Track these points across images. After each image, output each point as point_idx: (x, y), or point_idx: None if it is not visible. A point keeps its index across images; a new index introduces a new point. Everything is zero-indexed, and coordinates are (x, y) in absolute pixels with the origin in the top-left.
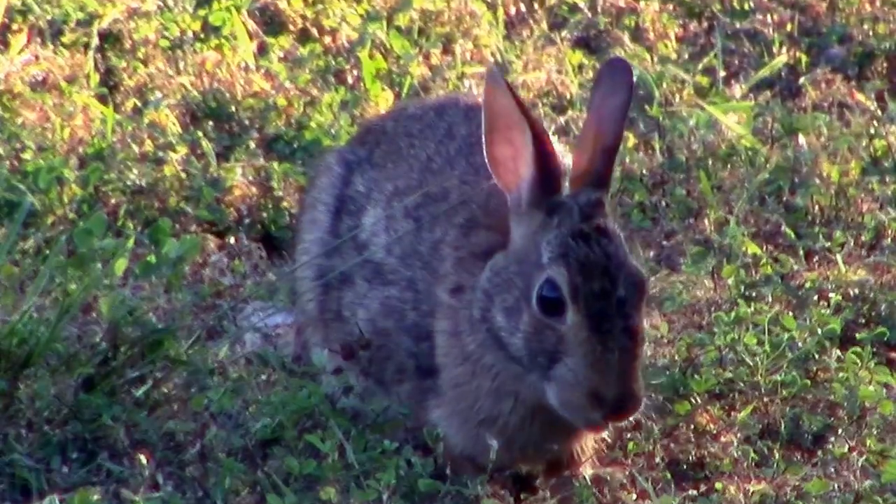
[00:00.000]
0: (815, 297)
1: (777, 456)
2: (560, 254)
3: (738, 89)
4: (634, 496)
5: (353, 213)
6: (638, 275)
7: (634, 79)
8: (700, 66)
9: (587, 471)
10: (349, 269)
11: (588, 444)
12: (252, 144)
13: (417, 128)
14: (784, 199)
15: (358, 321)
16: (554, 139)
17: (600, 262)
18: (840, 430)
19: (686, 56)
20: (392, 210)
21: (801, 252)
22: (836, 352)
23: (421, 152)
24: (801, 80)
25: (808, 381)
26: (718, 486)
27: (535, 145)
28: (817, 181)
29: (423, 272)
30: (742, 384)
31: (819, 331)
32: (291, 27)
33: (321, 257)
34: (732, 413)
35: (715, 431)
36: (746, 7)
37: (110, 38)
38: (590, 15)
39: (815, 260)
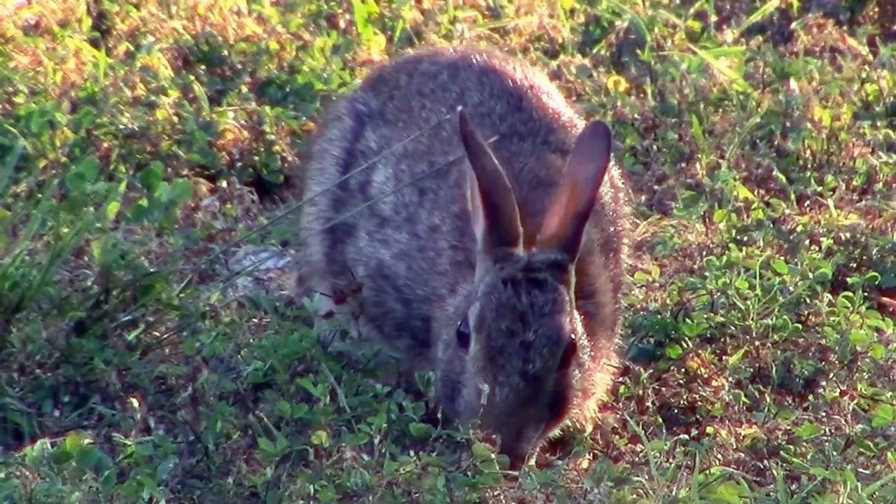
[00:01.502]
0: (807, 242)
1: (768, 400)
2: (484, 293)
3: (729, 34)
4: (626, 440)
5: (364, 169)
6: (560, 332)
7: (610, 143)
8: (692, 11)
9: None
10: (355, 222)
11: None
12: (244, 88)
13: (430, 87)
14: (775, 143)
15: (355, 270)
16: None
17: (518, 308)
18: (831, 375)
19: (678, 0)
20: (401, 174)
21: (793, 196)
22: (828, 296)
23: (432, 116)
24: (793, 24)
25: (800, 326)
26: (710, 430)
27: (483, 196)
28: (809, 126)
29: (419, 257)
30: (733, 328)
31: (810, 275)
32: None
33: (329, 210)
34: (724, 357)
35: (706, 375)
36: None
37: None
38: None
39: (806, 204)
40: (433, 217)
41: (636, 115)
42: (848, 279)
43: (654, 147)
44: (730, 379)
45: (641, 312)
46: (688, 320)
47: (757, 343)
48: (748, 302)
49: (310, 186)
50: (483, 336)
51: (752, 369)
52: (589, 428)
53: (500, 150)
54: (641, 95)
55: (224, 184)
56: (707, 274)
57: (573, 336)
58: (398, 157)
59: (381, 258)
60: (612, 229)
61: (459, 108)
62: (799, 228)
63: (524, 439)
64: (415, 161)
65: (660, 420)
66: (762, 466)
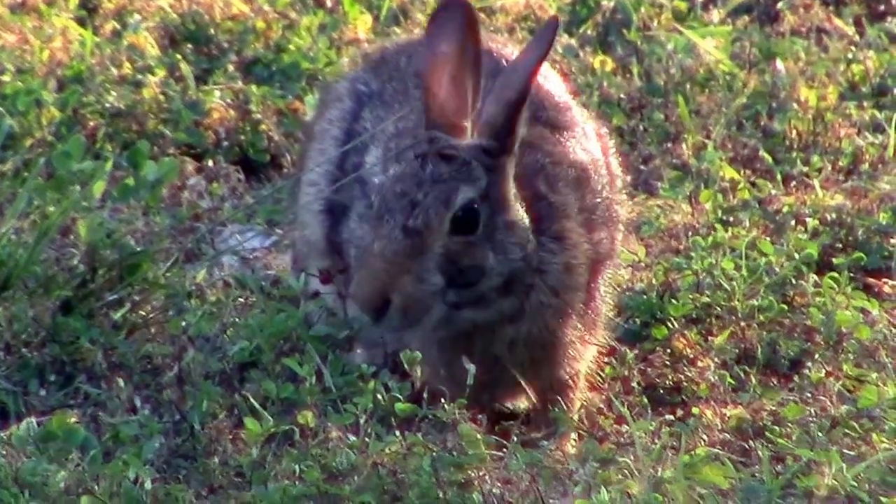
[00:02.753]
0: (793, 222)
1: (754, 381)
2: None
3: (716, 14)
4: (611, 421)
5: (358, 150)
6: (451, 196)
7: (554, 36)
8: None
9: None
10: (350, 202)
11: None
12: (230, 67)
13: None
14: (762, 123)
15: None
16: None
17: (417, 175)
18: (817, 355)
19: None
20: (389, 153)
21: (779, 177)
22: (814, 277)
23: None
24: (780, 4)
25: (785, 306)
26: (695, 410)
27: (423, 83)
28: (795, 106)
29: None
30: (719, 309)
31: (796, 256)
32: None
33: (328, 191)
34: (709, 338)
35: (692, 356)
36: None
37: None
38: None
39: (792, 185)
40: None
41: (622, 96)
42: (834, 260)
43: (641, 127)
44: (715, 360)
45: (627, 293)
46: (673, 301)
47: (742, 324)
48: (734, 282)
49: (310, 166)
50: (379, 197)
51: (737, 350)
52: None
53: None
54: (628, 75)
55: (210, 163)
56: (693, 254)
57: (475, 207)
58: (389, 136)
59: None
60: (596, 201)
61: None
62: (785, 209)
63: (395, 288)
64: (403, 140)
65: (645, 401)
66: (747, 447)
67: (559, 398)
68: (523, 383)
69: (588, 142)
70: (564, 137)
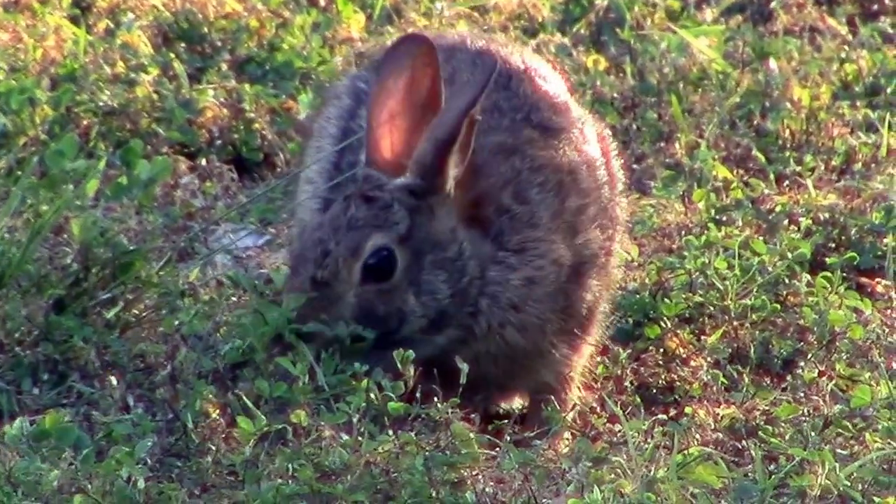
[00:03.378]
0: (786, 222)
1: (746, 380)
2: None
3: (709, 13)
4: (604, 420)
5: (354, 148)
6: (360, 245)
7: (494, 75)
8: None
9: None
10: None
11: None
12: (224, 66)
13: None
14: (755, 123)
15: None
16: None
17: (334, 221)
18: (809, 355)
19: None
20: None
21: (772, 176)
22: (806, 276)
23: None
24: (773, 4)
25: (778, 306)
26: (688, 410)
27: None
28: (788, 105)
29: None
30: (712, 308)
31: (789, 255)
32: None
33: (326, 190)
34: (702, 337)
35: (684, 356)
36: None
37: None
38: None
39: (785, 184)
40: None
41: (615, 95)
42: (827, 259)
43: (634, 126)
44: (708, 359)
45: (620, 292)
46: (666, 300)
47: (735, 323)
48: (727, 282)
49: (306, 162)
50: (297, 244)
51: (730, 349)
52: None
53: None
54: (621, 74)
55: (203, 162)
56: (686, 254)
57: (387, 254)
58: None
59: None
60: (583, 202)
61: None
62: (778, 208)
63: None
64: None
65: (638, 400)
66: (740, 447)
67: (551, 398)
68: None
69: (584, 143)
70: (556, 139)
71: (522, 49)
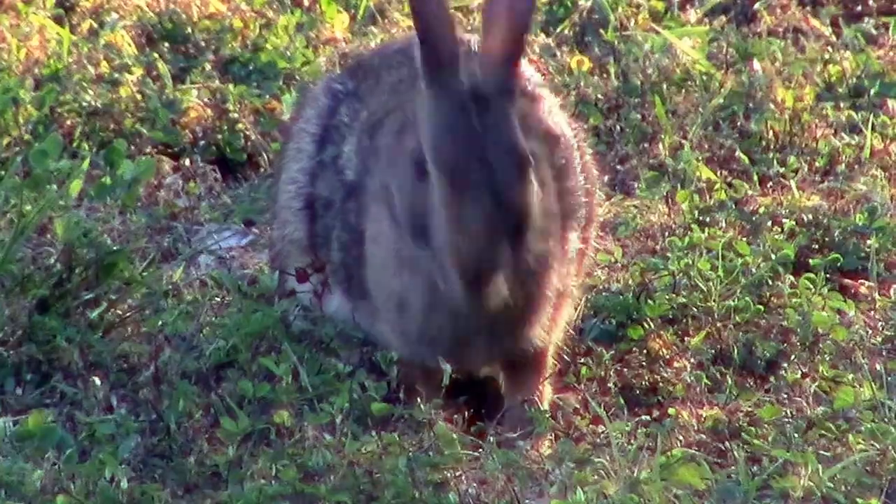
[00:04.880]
0: (769, 223)
1: (730, 382)
2: (435, 122)
3: (693, 14)
4: (587, 421)
5: (336, 141)
6: (519, 151)
7: None
8: None
9: (545, 402)
10: (331, 195)
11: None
12: (208, 66)
13: (398, 59)
14: (738, 124)
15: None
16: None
17: (471, 132)
18: (793, 356)
19: None
20: (362, 134)
21: (755, 177)
22: (790, 277)
23: (394, 78)
24: (756, 5)
25: (762, 307)
26: (671, 411)
27: (416, 19)
28: (772, 107)
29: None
30: (695, 309)
31: (773, 256)
32: None
33: (309, 185)
34: (685, 338)
35: (668, 357)
36: None
37: None
38: None
39: (769, 185)
40: (379, 143)
41: (599, 95)
42: (810, 261)
43: (617, 127)
44: (691, 360)
45: (603, 293)
46: (650, 301)
47: (719, 324)
48: (710, 283)
49: (288, 165)
50: (443, 168)
51: (713, 351)
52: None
53: None
54: (604, 75)
55: (187, 162)
56: (669, 255)
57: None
58: (363, 121)
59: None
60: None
61: None
62: (761, 210)
63: (508, 259)
64: (374, 117)
65: (621, 401)
66: (723, 448)
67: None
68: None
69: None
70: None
71: None
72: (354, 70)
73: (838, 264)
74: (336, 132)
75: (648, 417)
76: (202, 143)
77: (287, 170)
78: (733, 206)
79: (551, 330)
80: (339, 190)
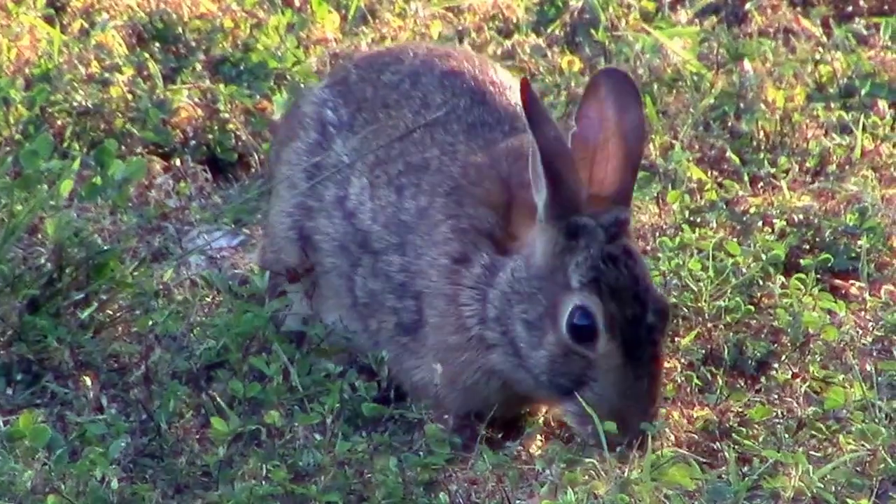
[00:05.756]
0: (760, 223)
1: (720, 382)
2: (591, 279)
3: (683, 14)
4: None
5: (337, 182)
6: (663, 301)
7: (638, 90)
8: None
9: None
10: (342, 239)
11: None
12: (198, 66)
13: (394, 98)
14: (729, 124)
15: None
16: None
17: (631, 288)
18: (783, 357)
19: None
20: (376, 181)
21: (746, 178)
22: (780, 278)
23: (399, 122)
24: (747, 5)
25: (752, 307)
26: (662, 411)
27: (545, 165)
28: (762, 107)
29: (412, 236)
30: (686, 310)
31: (763, 257)
32: None
33: (303, 218)
34: (676, 339)
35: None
36: None
37: None
38: None
39: (759, 186)
40: (419, 201)
41: None
42: (801, 261)
43: None
44: (682, 360)
45: None
46: None
47: (709, 325)
48: (701, 283)
49: (282, 195)
50: (616, 332)
51: (704, 351)
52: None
53: (473, 138)
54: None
55: (178, 162)
56: (660, 255)
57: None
58: (370, 166)
59: (377, 259)
60: None
61: (522, 77)
62: (752, 210)
63: (657, 417)
64: (389, 166)
65: None
66: (714, 448)
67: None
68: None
69: None
70: None
71: (478, 60)
72: (344, 92)
73: (829, 265)
74: (333, 170)
75: None
76: (193, 143)
77: (281, 199)
78: (724, 207)
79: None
80: (352, 234)
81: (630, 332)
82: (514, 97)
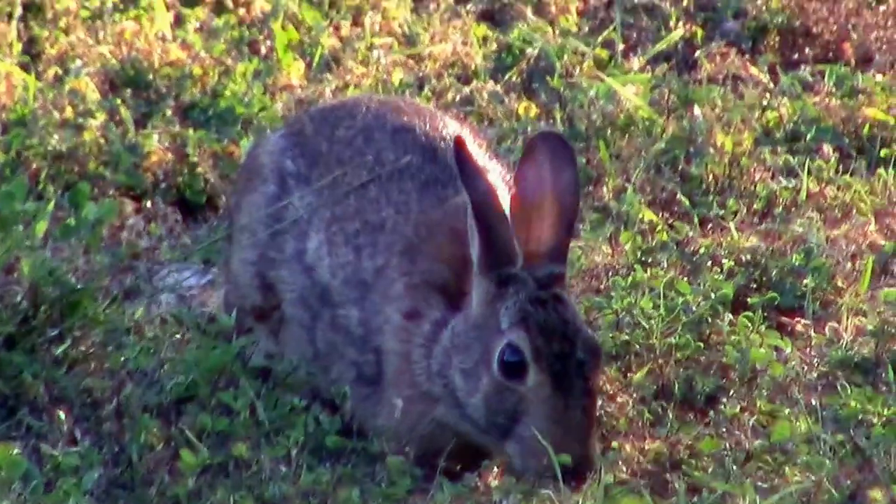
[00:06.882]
0: (709, 263)
1: (671, 416)
2: (520, 318)
3: (636, 62)
4: None
5: (294, 234)
6: (594, 340)
7: (572, 151)
8: (600, 39)
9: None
10: (301, 292)
11: None
12: (168, 112)
13: (348, 154)
14: (679, 167)
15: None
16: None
17: (558, 327)
18: (732, 391)
19: (586, 29)
20: (333, 237)
21: (696, 219)
22: (729, 316)
23: (354, 180)
24: (697, 53)
25: (702, 344)
26: (615, 444)
27: (477, 219)
28: (712, 151)
29: (371, 294)
30: (638, 346)
31: (712, 295)
32: None
33: (261, 263)
34: (628, 374)
35: (611, 392)
36: None
37: (33, 8)
38: None
39: (709, 227)
40: (376, 260)
41: None
42: (748, 299)
43: None
44: (634, 395)
45: None
46: None
47: (661, 361)
48: (652, 321)
49: (241, 242)
50: (543, 364)
51: (655, 386)
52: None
53: (427, 196)
54: (551, 121)
55: (149, 204)
56: (613, 294)
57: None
58: (327, 222)
59: (336, 314)
60: None
61: (456, 134)
62: (702, 250)
63: (596, 448)
64: (346, 223)
65: None
66: (665, 479)
67: None
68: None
69: None
70: None
71: (429, 114)
72: (302, 144)
73: (775, 303)
74: (293, 224)
75: None
76: (163, 185)
77: (243, 248)
78: (675, 247)
79: None
80: (310, 288)
81: (559, 365)
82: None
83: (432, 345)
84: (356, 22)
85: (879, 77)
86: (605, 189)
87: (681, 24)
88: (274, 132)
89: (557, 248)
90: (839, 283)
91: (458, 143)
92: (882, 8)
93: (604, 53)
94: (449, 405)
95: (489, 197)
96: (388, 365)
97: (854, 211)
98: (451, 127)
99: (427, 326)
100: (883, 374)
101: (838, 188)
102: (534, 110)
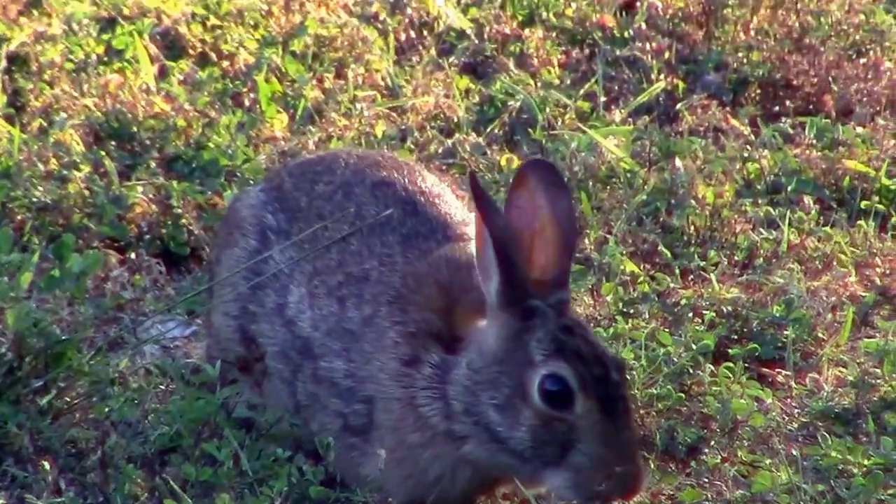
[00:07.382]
0: (690, 314)
1: (652, 466)
2: (555, 349)
3: (617, 114)
4: None
5: (275, 288)
6: (620, 359)
7: (561, 176)
8: (581, 92)
9: None
10: (282, 346)
11: None
12: (153, 164)
13: (328, 209)
14: (661, 219)
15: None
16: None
17: (590, 351)
18: (713, 442)
19: (568, 82)
20: (315, 290)
21: (677, 271)
22: (710, 366)
23: (335, 234)
24: (678, 105)
25: (683, 395)
26: None
27: (497, 253)
28: (693, 202)
29: (359, 344)
30: None
31: (693, 346)
32: (191, 51)
33: (242, 316)
34: None
35: None
36: (626, 35)
37: (17, 61)
38: (476, 42)
39: (690, 278)
40: (363, 311)
41: None
42: (729, 350)
43: None
44: None
45: None
46: None
47: (642, 411)
48: (634, 372)
49: (222, 295)
50: (589, 391)
51: (637, 437)
52: None
53: (409, 249)
54: None
55: (133, 255)
56: None
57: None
58: (308, 276)
59: (318, 366)
60: None
61: (470, 171)
62: (683, 301)
63: (642, 461)
64: (328, 276)
65: None
66: None
67: None
68: None
69: None
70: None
71: (409, 168)
72: (282, 199)
73: (756, 354)
74: (274, 278)
75: None
76: (147, 237)
77: (224, 302)
78: (656, 298)
79: None
80: (291, 341)
81: (601, 389)
82: (443, 205)
83: (443, 386)
84: (339, 75)
85: (860, 129)
86: (587, 240)
87: (662, 76)
88: (254, 186)
89: (562, 274)
90: (820, 335)
91: (473, 179)
92: (862, 60)
93: (586, 106)
94: (482, 441)
95: (507, 230)
96: (384, 413)
97: (835, 262)
98: (430, 180)
99: (427, 370)
100: (863, 425)
101: (819, 240)
102: (516, 162)
